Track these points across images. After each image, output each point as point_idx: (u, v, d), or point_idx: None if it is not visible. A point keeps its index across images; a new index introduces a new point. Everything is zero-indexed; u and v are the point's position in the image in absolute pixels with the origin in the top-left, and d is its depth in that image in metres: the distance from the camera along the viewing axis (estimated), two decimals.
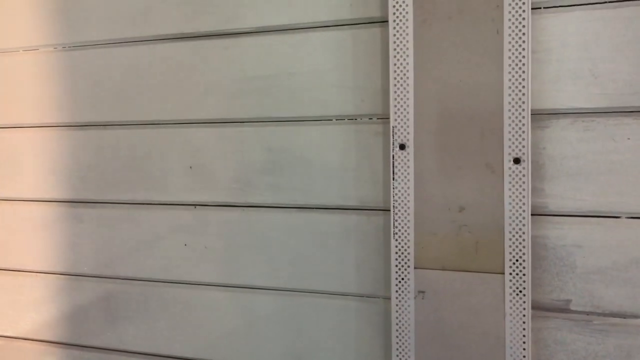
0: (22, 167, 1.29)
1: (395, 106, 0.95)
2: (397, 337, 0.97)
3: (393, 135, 0.95)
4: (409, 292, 0.96)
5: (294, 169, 1.08)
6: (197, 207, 1.16)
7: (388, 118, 1.00)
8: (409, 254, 0.96)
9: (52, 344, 1.31)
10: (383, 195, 1.02)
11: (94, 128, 1.22)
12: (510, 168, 0.90)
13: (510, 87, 0.89)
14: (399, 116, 0.94)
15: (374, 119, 1.02)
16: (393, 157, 0.95)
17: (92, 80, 1.21)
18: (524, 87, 0.88)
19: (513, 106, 0.88)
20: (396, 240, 0.96)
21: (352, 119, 1.03)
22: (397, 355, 0.97)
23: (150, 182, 1.19)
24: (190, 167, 1.15)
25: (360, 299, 1.06)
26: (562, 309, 0.94)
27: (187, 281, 1.18)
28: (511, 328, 0.91)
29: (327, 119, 1.05)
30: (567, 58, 0.90)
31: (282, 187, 1.09)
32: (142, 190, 1.19)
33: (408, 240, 0.96)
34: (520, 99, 0.88)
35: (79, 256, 1.26)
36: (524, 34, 0.87)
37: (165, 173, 1.17)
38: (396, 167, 0.95)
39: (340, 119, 1.04)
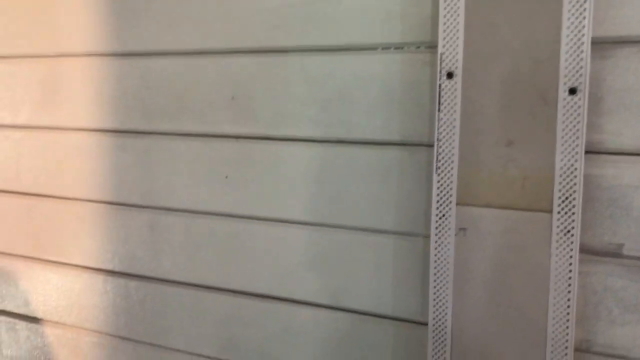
0: (69, 95, 1.30)
1: (445, 31, 0.89)
2: (434, 274, 0.94)
3: (441, 63, 0.90)
4: (449, 229, 0.93)
5: (335, 100, 1.04)
6: (239, 139, 1.14)
7: (437, 47, 0.94)
8: (451, 189, 0.92)
9: (95, 271, 1.34)
10: (428, 129, 0.98)
11: (138, 57, 1.21)
12: (565, 99, 0.83)
13: (569, 11, 0.82)
14: (447, 42, 0.89)
15: (422, 48, 0.97)
16: (440, 86, 0.90)
17: (137, 10, 1.20)
18: (585, 10, 0.81)
19: (572, 31, 0.82)
20: (439, 175, 0.92)
21: (399, 47, 0.98)
22: (435, 293, 0.94)
23: (193, 113, 1.18)
24: (232, 98, 1.13)
25: (399, 236, 1.03)
26: (614, 254, 0.89)
27: (228, 213, 1.17)
28: (556, 270, 0.87)
29: (372, 48, 1.00)
30: None
31: (323, 120, 1.06)
32: (185, 121, 1.19)
33: (451, 175, 0.91)
34: (580, 23, 0.81)
35: (122, 185, 1.27)
36: None
37: (207, 104, 1.16)
38: (443, 97, 0.90)
39: (386, 47, 0.99)
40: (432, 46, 0.96)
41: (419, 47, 0.97)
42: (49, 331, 1.43)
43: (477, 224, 0.91)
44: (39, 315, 1.43)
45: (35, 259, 1.41)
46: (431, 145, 0.98)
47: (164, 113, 1.20)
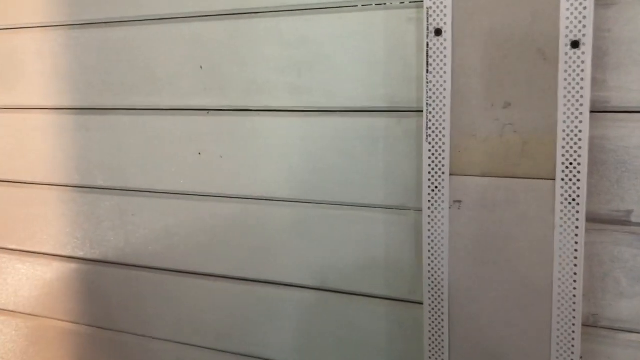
0: (24, 72, 1.19)
1: None
2: (429, 251, 0.87)
3: (428, 19, 0.81)
4: (443, 201, 0.85)
5: (314, 66, 0.95)
6: (210, 112, 1.05)
7: (421, 1, 0.85)
8: (443, 158, 0.84)
9: (66, 259, 1.25)
10: (416, 93, 0.89)
11: (97, 27, 1.11)
12: (567, 54, 0.75)
13: None
14: None
15: (406, 3, 0.87)
16: (428, 45, 0.82)
17: None
18: None
19: None
20: (429, 143, 0.84)
21: (381, 3, 0.89)
22: (429, 271, 0.87)
23: (159, 86, 1.08)
24: (201, 68, 1.04)
25: (388, 211, 0.95)
26: (622, 221, 0.82)
27: (202, 193, 1.09)
28: (561, 242, 0.79)
29: (351, 5, 0.91)
30: None
31: (302, 88, 0.97)
32: (151, 95, 1.09)
33: (443, 144, 0.83)
34: None
35: (88, 167, 1.18)
36: None
37: (174, 75, 1.06)
38: (431, 57, 0.82)
39: (366, 4, 0.90)
40: (418, 0, 0.86)
41: (402, 2, 0.88)
42: (22, 323, 1.35)
43: (473, 196, 0.83)
44: (10, 307, 1.35)
45: (1, 249, 1.32)
46: (420, 111, 0.89)
47: (128, 87, 1.10)
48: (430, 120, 0.83)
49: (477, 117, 0.81)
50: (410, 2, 0.87)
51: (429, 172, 0.85)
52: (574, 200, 0.78)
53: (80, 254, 1.23)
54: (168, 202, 1.12)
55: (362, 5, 0.90)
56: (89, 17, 1.11)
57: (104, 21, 1.10)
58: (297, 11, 0.95)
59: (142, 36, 1.07)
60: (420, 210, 0.92)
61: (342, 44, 0.93)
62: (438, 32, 0.81)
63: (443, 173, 0.84)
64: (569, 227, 0.79)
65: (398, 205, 0.94)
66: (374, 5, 0.90)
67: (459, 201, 0.84)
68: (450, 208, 0.85)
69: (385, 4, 0.89)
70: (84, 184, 1.20)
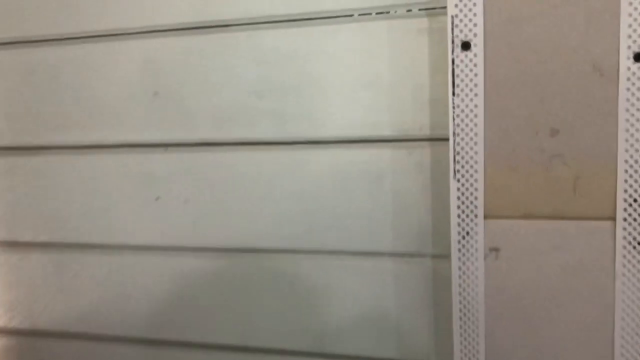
0: None
1: None
2: (460, 310, 0.72)
3: (453, 30, 0.66)
4: (476, 250, 0.70)
5: (301, 88, 0.79)
6: (170, 148, 0.86)
7: (435, 8, 0.71)
8: (475, 198, 0.69)
9: None
10: (430, 118, 0.74)
11: (22, 46, 0.90)
12: (629, 68, 0.62)
13: None
14: (461, 0, 0.65)
15: (415, 11, 0.72)
16: (453, 61, 0.66)
17: None
18: None
19: None
20: (458, 180, 0.69)
21: (383, 12, 0.74)
22: (462, 335, 0.72)
23: (104, 117, 0.88)
24: (156, 94, 0.85)
25: (399, 259, 0.80)
26: None
27: (162, 246, 0.90)
28: (624, 292, 0.66)
29: (346, 15, 0.75)
30: None
31: (286, 115, 0.80)
32: (94, 129, 0.89)
33: (475, 180, 0.68)
34: None
35: (14, 219, 0.96)
36: None
37: (122, 103, 0.87)
38: (458, 75, 0.66)
39: (365, 13, 0.74)
40: (431, 7, 0.71)
41: (409, 10, 0.73)
42: None
43: (513, 242, 0.69)
44: None
45: None
46: (436, 140, 0.74)
47: (64, 120, 0.91)
48: (458, 153, 0.68)
49: (518, 147, 0.66)
50: (420, 10, 0.72)
51: (458, 216, 0.70)
52: (639, 243, 0.65)
53: (10, 325, 1.01)
54: (119, 259, 0.92)
55: (359, 15, 0.74)
56: (13, 35, 0.90)
57: (32, 39, 0.89)
58: (277, 23, 0.78)
59: (81, 57, 0.87)
60: (439, 256, 0.77)
61: (335, 62, 0.77)
62: (466, 46, 0.66)
63: (475, 216, 0.69)
64: (633, 275, 0.66)
65: (411, 252, 0.79)
66: (373, 14, 0.74)
67: (497, 249, 0.69)
68: (485, 258, 0.70)
69: (388, 12, 0.73)
70: (9, 239, 0.98)
